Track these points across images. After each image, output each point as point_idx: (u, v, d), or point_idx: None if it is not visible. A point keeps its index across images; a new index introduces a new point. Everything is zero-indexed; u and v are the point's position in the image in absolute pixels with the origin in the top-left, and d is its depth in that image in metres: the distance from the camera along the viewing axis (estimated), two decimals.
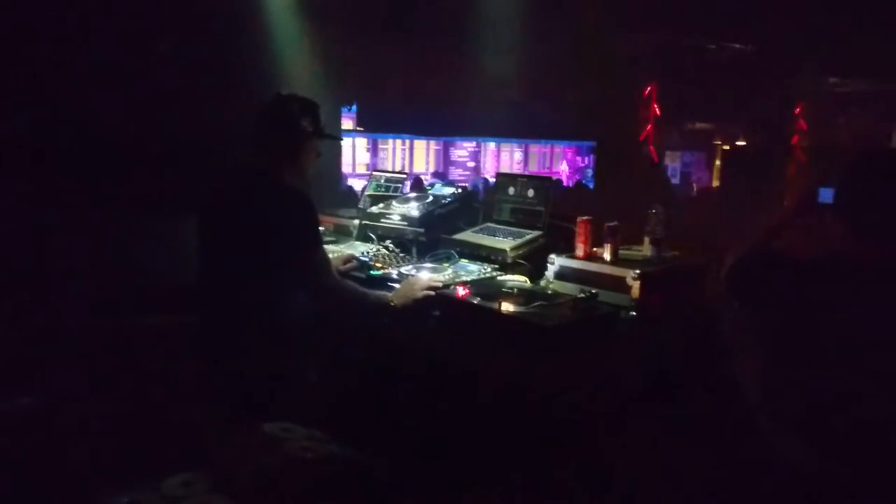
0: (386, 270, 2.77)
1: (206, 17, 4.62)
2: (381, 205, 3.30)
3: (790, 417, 1.76)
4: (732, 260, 1.99)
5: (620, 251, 2.57)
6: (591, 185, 11.61)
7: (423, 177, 10.75)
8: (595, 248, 2.61)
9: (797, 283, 1.78)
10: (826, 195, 1.92)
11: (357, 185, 8.69)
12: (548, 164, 14.01)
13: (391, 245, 3.03)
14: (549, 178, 3.10)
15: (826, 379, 1.71)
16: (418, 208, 3.10)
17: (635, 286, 2.34)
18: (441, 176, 11.19)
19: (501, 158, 13.32)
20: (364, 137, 11.39)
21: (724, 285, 1.99)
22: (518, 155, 13.69)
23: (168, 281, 2.90)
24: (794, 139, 11.19)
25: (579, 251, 2.61)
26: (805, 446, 1.72)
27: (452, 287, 2.47)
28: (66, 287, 3.51)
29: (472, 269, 2.71)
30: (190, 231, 2.42)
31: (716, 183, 13.09)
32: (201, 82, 4.51)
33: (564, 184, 12.10)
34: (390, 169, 10.77)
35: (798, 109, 11.17)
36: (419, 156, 12.30)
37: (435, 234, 2.99)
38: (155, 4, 4.51)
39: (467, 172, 12.57)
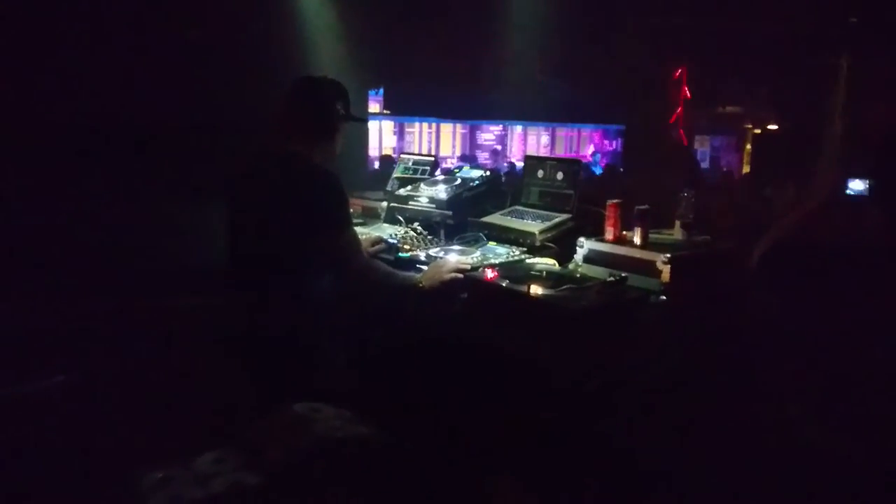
0: (414, 253, 2.77)
1: (234, 2, 4.65)
2: (409, 187, 3.29)
3: (820, 406, 1.74)
4: (762, 250, 1.96)
5: (650, 235, 2.54)
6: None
7: (448, 160, 10.74)
8: (625, 232, 2.58)
9: (827, 274, 1.75)
10: (854, 186, 1.89)
11: None
12: (575, 148, 13.93)
13: (419, 227, 3.01)
14: (578, 161, 3.08)
15: (858, 368, 1.69)
16: (446, 191, 3.09)
17: (665, 270, 2.31)
18: (469, 159, 11.18)
19: (528, 142, 13.26)
20: (391, 121, 11.40)
21: (754, 276, 1.97)
22: (545, 138, 13.62)
23: (199, 262, 2.93)
24: (825, 124, 10.95)
25: (609, 234, 2.58)
26: (835, 433, 1.70)
27: (480, 270, 2.46)
28: (99, 269, 3.58)
29: (501, 252, 2.70)
30: (220, 213, 2.44)
31: (746, 168, 12.86)
32: (229, 67, 4.54)
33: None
34: (417, 152, 10.78)
35: (830, 93, 10.93)
36: (445, 139, 12.30)
37: (463, 217, 2.98)
38: None
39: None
